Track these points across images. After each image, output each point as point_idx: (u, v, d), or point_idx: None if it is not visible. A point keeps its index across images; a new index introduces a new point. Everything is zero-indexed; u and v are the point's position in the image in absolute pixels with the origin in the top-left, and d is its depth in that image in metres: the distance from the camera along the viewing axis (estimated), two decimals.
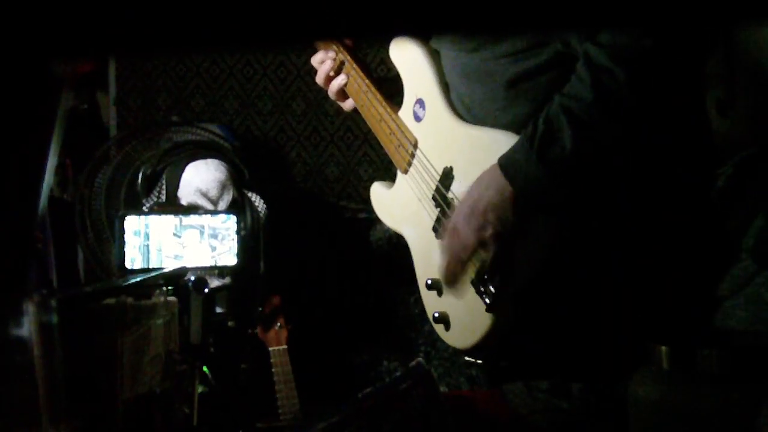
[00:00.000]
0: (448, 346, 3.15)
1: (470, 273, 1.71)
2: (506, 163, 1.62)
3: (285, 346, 2.81)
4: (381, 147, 3.30)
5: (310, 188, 3.42)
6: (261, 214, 2.85)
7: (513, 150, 1.62)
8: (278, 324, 2.83)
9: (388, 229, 3.24)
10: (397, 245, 3.24)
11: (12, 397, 1.14)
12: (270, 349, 2.80)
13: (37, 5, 0.60)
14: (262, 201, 2.87)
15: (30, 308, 1.12)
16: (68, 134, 3.03)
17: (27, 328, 1.12)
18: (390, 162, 3.34)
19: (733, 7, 0.60)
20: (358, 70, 2.02)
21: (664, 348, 1.54)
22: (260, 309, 2.83)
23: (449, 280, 1.71)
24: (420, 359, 1.79)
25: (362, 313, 3.26)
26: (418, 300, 3.19)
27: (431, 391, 1.70)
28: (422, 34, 1.91)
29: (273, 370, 2.77)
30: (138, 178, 2.84)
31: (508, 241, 1.63)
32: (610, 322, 1.74)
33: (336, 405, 1.65)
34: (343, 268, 3.27)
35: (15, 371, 1.14)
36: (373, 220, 3.24)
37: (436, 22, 0.62)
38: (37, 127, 0.81)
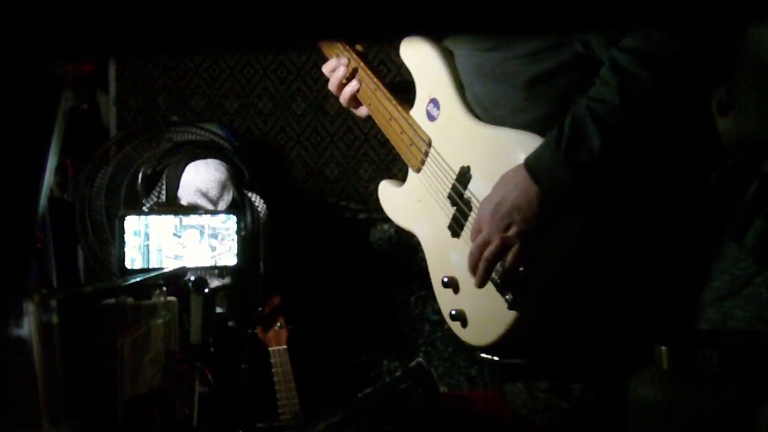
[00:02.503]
0: (448, 347, 3.18)
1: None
2: (532, 164, 1.64)
3: (285, 346, 2.81)
4: (381, 147, 3.33)
5: (310, 188, 3.42)
6: (261, 214, 2.85)
7: (539, 151, 1.64)
8: (278, 324, 2.83)
9: (388, 229, 3.25)
10: (397, 245, 3.24)
11: (12, 397, 1.14)
12: (270, 349, 2.80)
13: (37, 5, 0.60)
14: (262, 201, 2.87)
15: (30, 308, 1.12)
16: (68, 134, 3.03)
17: (27, 328, 1.12)
18: (390, 162, 3.36)
19: (749, 8, 0.60)
20: (366, 69, 2.03)
21: (664, 348, 1.54)
22: (260, 309, 2.82)
23: (479, 280, 1.72)
24: (420, 359, 1.79)
25: (362, 313, 3.26)
26: (418, 300, 3.22)
27: (431, 391, 1.70)
28: (427, 34, 1.92)
29: (273, 370, 2.77)
30: (138, 178, 2.84)
31: (531, 240, 1.65)
32: (615, 321, 1.76)
33: (336, 405, 1.65)
34: (343, 268, 3.27)
35: (15, 371, 1.14)
36: (373, 220, 3.25)
37: (443, 23, 0.62)
38: (37, 127, 0.81)
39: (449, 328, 3.15)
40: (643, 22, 1.41)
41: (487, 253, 1.68)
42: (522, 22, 0.60)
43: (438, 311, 3.17)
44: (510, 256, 1.67)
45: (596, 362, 1.82)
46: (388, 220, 3.18)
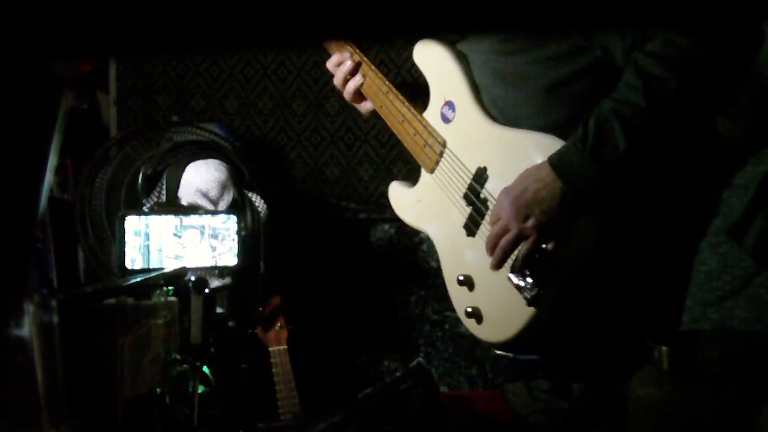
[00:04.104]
0: (448, 347, 3.18)
1: (508, 267, 1.76)
2: (558, 161, 1.68)
3: (285, 346, 2.80)
4: (381, 147, 3.33)
5: (311, 188, 3.42)
6: (261, 215, 2.85)
7: (564, 150, 1.68)
8: (278, 324, 2.83)
9: (389, 230, 3.25)
10: (397, 245, 3.24)
11: (12, 397, 1.14)
12: (270, 349, 2.80)
13: (37, 5, 0.60)
14: (262, 201, 2.87)
15: (30, 308, 1.12)
16: (68, 134, 3.03)
17: (27, 328, 1.12)
18: (390, 162, 3.35)
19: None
20: (377, 71, 2.05)
21: (664, 348, 1.54)
22: (260, 309, 2.82)
23: (494, 267, 1.76)
24: (420, 359, 1.79)
25: (362, 313, 3.26)
26: (418, 300, 3.22)
27: (431, 391, 1.70)
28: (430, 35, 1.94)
29: (273, 370, 2.76)
30: (138, 179, 2.84)
31: (548, 234, 1.69)
32: (618, 321, 1.78)
33: (336, 405, 1.65)
34: (343, 268, 3.27)
35: (15, 371, 1.14)
36: (373, 220, 3.24)
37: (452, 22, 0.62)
38: (37, 127, 0.81)
39: (450, 328, 3.18)
40: (665, 27, 1.46)
41: (503, 240, 1.72)
42: (529, 22, 0.60)
43: (438, 311, 3.20)
44: (524, 247, 1.70)
45: (599, 362, 1.83)
46: (388, 220, 3.20)
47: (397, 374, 1.76)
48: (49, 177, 0.86)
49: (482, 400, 2.22)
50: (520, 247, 1.72)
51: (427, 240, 3.19)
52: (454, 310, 3.15)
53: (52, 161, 0.84)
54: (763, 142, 1.84)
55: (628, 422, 1.60)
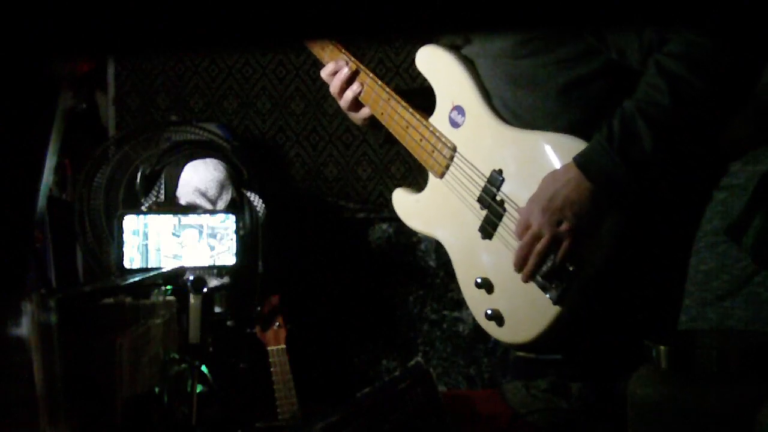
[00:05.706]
0: (446, 346, 3.18)
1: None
2: (585, 162, 1.68)
3: (283, 346, 2.81)
4: (380, 147, 3.32)
5: (309, 188, 3.42)
6: (260, 214, 2.85)
7: (589, 150, 1.69)
8: (277, 323, 2.83)
9: (387, 229, 3.26)
10: (396, 245, 3.24)
11: (10, 397, 1.14)
12: (268, 348, 2.80)
13: (36, 5, 0.59)
14: (260, 200, 2.87)
15: (29, 308, 1.12)
16: (67, 134, 3.03)
17: (26, 328, 1.12)
18: (389, 162, 3.36)
19: None
20: (376, 78, 2.03)
21: (662, 347, 1.54)
22: (259, 308, 2.82)
23: (527, 275, 1.75)
24: (418, 359, 1.79)
25: (361, 313, 3.26)
26: (417, 300, 3.22)
27: (430, 390, 1.70)
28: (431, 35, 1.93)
29: (271, 369, 2.76)
30: (137, 178, 2.84)
31: (581, 236, 1.69)
32: (618, 320, 1.78)
33: (334, 404, 1.65)
34: (342, 268, 3.27)
35: (14, 371, 1.14)
36: (372, 219, 3.25)
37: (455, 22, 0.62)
38: (36, 127, 0.81)
39: (448, 328, 3.18)
40: (683, 27, 1.48)
41: (538, 247, 1.71)
42: (535, 20, 0.60)
43: (436, 310, 3.20)
44: (560, 252, 1.70)
45: (598, 362, 1.83)
46: (386, 219, 3.20)
47: (396, 374, 1.76)
48: (47, 177, 0.86)
49: (481, 399, 2.23)
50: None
51: (426, 239, 3.19)
52: (452, 310, 3.18)
53: (50, 161, 0.84)
54: (763, 141, 1.84)
55: (626, 422, 1.60)
